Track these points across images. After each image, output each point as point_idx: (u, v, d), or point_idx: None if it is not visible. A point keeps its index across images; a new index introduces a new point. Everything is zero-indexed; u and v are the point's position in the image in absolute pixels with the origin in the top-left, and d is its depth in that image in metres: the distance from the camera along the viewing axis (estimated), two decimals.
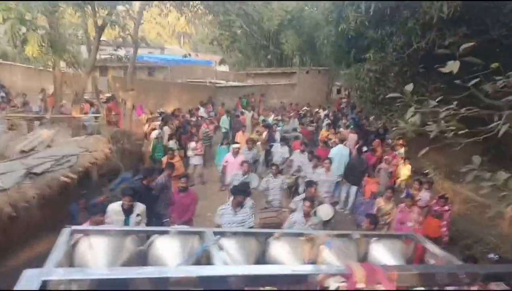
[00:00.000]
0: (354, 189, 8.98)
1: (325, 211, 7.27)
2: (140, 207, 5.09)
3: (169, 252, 2.56)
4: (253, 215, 5.54)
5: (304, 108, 18.10)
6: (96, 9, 11.21)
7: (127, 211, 4.88)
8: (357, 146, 10.45)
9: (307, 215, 5.34)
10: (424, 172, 11.19)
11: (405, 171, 10.00)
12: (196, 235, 2.71)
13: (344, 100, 23.19)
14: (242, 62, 31.01)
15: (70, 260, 2.34)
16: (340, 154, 9.52)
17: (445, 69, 3.49)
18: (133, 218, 4.93)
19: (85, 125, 12.63)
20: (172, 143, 10.58)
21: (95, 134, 9.82)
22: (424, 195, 7.51)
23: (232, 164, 8.46)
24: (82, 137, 7.75)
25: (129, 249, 2.55)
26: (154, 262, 2.57)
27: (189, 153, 10.18)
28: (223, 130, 13.71)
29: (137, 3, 12.91)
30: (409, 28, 8.42)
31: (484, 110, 3.40)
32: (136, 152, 11.30)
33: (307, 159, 8.90)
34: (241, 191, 5.37)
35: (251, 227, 5.34)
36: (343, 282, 2.02)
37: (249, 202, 5.58)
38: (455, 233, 8.00)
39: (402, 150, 11.06)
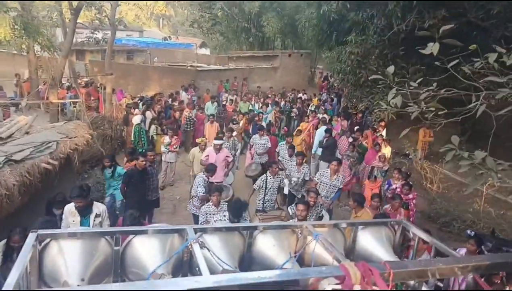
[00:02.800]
0: (325, 164, 8.97)
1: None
2: (99, 207, 4.77)
3: (148, 252, 2.44)
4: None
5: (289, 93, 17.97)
6: None
7: (83, 212, 4.58)
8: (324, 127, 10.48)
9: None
10: (405, 153, 11.55)
11: (385, 152, 10.23)
12: (175, 233, 2.58)
13: (323, 83, 23.38)
14: (224, 45, 30.59)
15: (38, 268, 2.22)
16: (321, 135, 9.64)
17: (425, 51, 3.55)
18: (91, 219, 4.63)
19: (64, 110, 12.36)
20: (153, 130, 10.41)
21: (75, 120, 9.60)
22: (399, 185, 7.17)
23: (213, 159, 7.61)
24: (61, 123, 7.55)
25: (104, 251, 2.41)
26: (131, 263, 2.47)
27: (163, 148, 9.10)
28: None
29: None
30: (390, 10, 8.49)
31: (462, 91, 3.50)
32: (118, 137, 11.15)
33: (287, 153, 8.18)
34: (240, 214, 4.84)
35: None
36: (337, 284, 1.92)
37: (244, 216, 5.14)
38: (433, 212, 8.32)
39: (384, 132, 11.30)
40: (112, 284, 2.36)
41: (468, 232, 6.68)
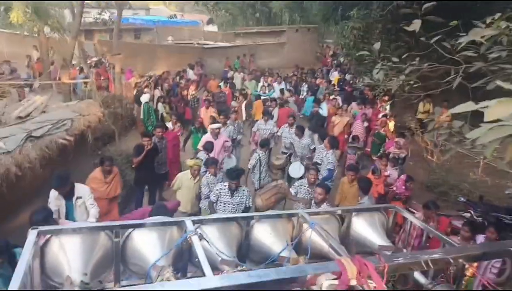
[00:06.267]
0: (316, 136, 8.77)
1: (296, 169, 7.27)
2: (80, 189, 4.74)
3: (148, 244, 2.51)
4: (250, 197, 5.45)
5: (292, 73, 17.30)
6: None
7: (66, 196, 4.62)
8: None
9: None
10: (408, 126, 11.70)
11: (389, 126, 10.40)
12: (174, 225, 2.67)
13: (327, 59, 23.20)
14: (230, 22, 30.49)
15: (41, 264, 2.28)
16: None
17: (409, 28, 3.80)
18: (73, 201, 4.68)
19: (75, 90, 12.77)
20: (160, 107, 10.75)
21: (86, 99, 10.00)
22: (392, 173, 6.98)
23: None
24: (74, 103, 7.97)
25: (104, 244, 2.47)
26: (131, 255, 2.54)
27: None
28: None
29: None
30: None
31: (443, 65, 3.73)
32: (128, 115, 11.56)
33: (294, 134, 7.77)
34: (236, 176, 5.19)
35: (249, 207, 5.37)
36: (334, 278, 2.02)
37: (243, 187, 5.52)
38: (432, 182, 8.61)
39: (387, 106, 11.44)
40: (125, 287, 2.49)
41: (462, 198, 7.04)
